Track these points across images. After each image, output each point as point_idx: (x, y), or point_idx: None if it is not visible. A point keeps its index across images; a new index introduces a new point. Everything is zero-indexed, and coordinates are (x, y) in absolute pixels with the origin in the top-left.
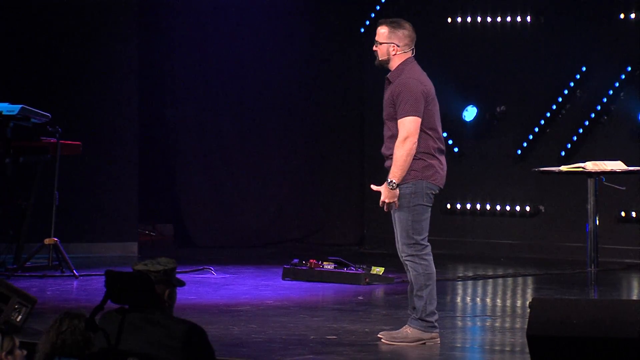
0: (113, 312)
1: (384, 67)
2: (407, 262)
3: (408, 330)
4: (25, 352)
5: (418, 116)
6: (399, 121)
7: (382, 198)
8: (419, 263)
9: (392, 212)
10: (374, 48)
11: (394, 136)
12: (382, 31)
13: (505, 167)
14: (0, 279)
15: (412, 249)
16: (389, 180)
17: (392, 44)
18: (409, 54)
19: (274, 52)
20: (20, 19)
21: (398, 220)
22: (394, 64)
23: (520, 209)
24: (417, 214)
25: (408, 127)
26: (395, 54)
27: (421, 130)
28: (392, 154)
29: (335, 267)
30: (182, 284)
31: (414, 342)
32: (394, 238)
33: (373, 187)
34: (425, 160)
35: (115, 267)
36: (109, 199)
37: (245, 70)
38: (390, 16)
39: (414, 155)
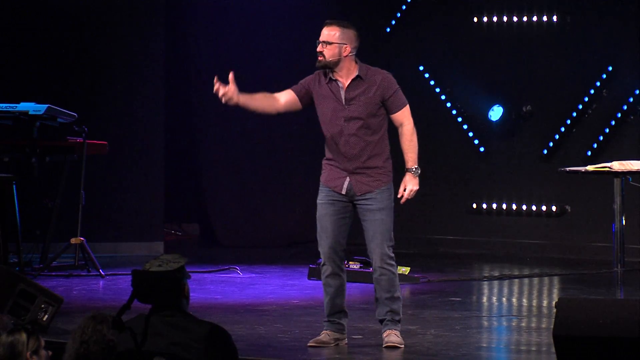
0: (136, 318)
1: (328, 68)
2: (386, 266)
3: (397, 333)
4: (50, 353)
5: None
6: (405, 109)
7: (412, 187)
8: (394, 265)
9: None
10: (320, 48)
11: (374, 132)
12: (333, 32)
13: (531, 167)
14: (26, 278)
15: (391, 251)
16: (414, 168)
17: (344, 45)
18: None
19: (298, 52)
20: (46, 19)
21: (381, 223)
22: (344, 65)
23: (546, 208)
24: (392, 216)
25: (410, 114)
26: (347, 55)
27: (385, 132)
28: (363, 153)
29: (361, 267)
30: (189, 276)
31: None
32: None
33: (402, 193)
34: (390, 161)
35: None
36: (135, 198)
37: (270, 70)
38: (416, 16)
39: (388, 157)
